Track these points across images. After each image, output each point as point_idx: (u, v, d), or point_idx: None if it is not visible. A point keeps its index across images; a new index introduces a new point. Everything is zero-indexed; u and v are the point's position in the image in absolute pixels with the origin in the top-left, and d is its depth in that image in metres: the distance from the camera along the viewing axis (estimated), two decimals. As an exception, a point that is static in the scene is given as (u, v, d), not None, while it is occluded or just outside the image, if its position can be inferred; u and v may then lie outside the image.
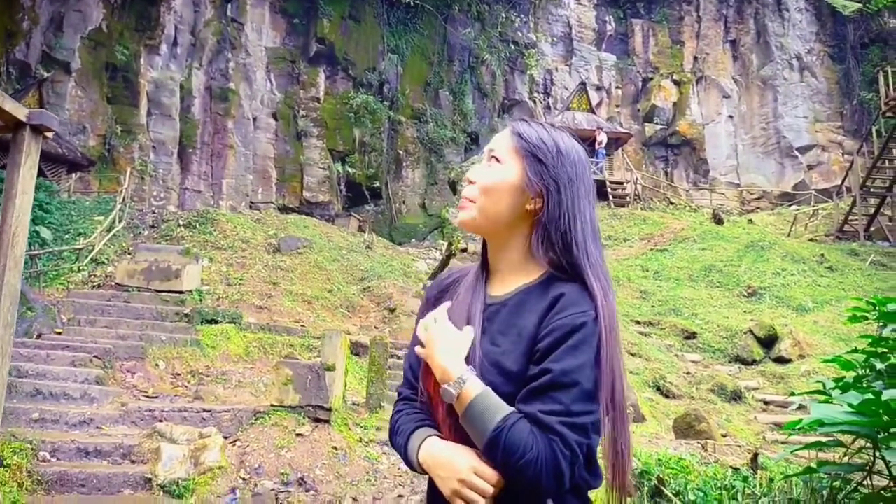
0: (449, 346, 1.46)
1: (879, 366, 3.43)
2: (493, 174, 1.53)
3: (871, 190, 22.04)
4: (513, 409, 1.38)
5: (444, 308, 1.54)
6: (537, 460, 1.32)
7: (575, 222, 1.49)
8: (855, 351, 3.58)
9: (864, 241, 21.13)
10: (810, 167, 32.66)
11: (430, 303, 1.65)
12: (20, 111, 4.11)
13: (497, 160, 1.54)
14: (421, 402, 1.58)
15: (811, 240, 22.45)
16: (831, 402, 4.64)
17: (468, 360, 1.45)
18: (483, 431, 1.37)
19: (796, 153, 32.88)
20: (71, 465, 6.39)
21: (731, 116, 34.47)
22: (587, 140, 28.30)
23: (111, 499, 6.05)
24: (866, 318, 4.07)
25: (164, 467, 6.51)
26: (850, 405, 2.32)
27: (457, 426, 1.45)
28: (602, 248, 1.55)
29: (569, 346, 1.37)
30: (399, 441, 1.55)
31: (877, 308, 3.80)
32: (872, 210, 21.92)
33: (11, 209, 4.22)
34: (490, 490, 1.38)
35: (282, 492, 6.55)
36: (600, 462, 1.50)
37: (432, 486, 1.50)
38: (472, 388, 1.40)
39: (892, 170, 21.57)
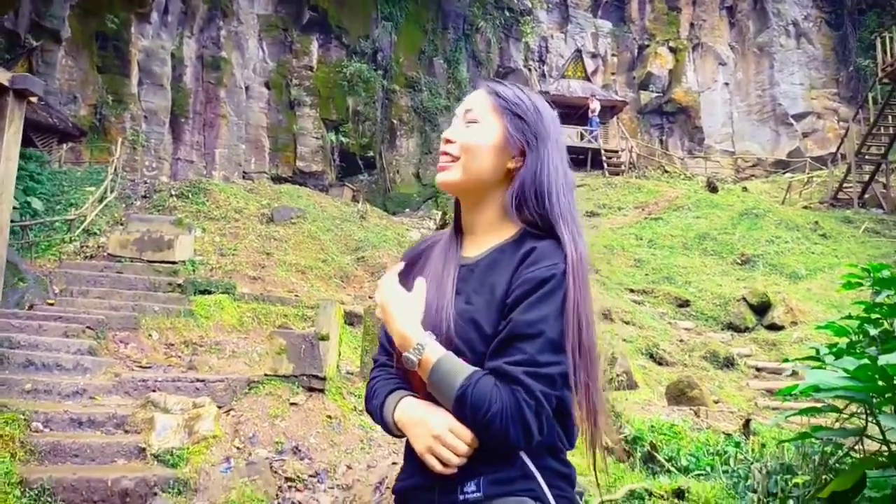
0: (402, 310, 1.46)
1: (873, 332, 3.42)
2: (475, 134, 1.53)
3: (866, 157, 21.99)
4: (476, 368, 1.38)
5: (393, 272, 1.54)
6: (503, 412, 1.32)
7: (551, 176, 1.52)
8: (849, 317, 3.57)
9: (858, 209, 21.13)
10: (805, 135, 32.56)
11: (406, 267, 1.64)
12: (2, 75, 4.01)
13: (475, 121, 1.54)
14: (397, 369, 1.56)
15: (805, 207, 22.44)
16: (825, 368, 4.63)
17: (439, 320, 1.46)
18: (449, 393, 1.37)
19: (791, 121, 32.76)
20: (64, 435, 6.38)
21: (726, 84, 34.26)
22: (581, 108, 28.19)
23: (105, 468, 6.04)
24: (860, 285, 4.06)
25: (157, 437, 6.50)
26: (845, 370, 2.31)
27: None
28: (574, 197, 1.58)
29: (535, 297, 1.38)
30: (375, 404, 1.54)
31: (871, 275, 3.79)
32: (867, 177, 21.88)
33: (-6, 176, 4.11)
34: (464, 448, 1.38)
35: (276, 460, 6.55)
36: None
37: (409, 448, 1.50)
38: (432, 352, 1.40)
39: (887, 137, 21.48)
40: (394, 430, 1.49)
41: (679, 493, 4.98)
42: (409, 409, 1.46)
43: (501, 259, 1.49)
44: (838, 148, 25.86)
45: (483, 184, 1.53)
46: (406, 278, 1.57)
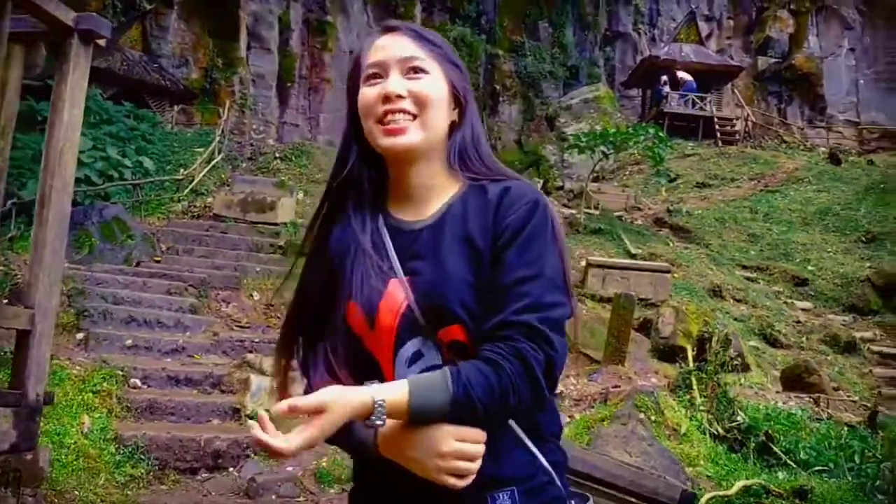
0: (333, 399, 1.16)
1: None
2: (429, 86, 1.37)
3: None
4: (446, 367, 1.22)
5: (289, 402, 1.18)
6: (511, 381, 1.19)
7: (479, 128, 1.47)
8: None
9: None
10: (942, 106, 30.10)
11: (314, 255, 1.49)
12: (66, 14, 3.82)
13: (424, 71, 1.38)
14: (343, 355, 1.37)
15: (940, 183, 20.72)
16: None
17: (405, 308, 1.31)
18: (441, 408, 1.18)
19: (925, 91, 30.33)
20: (161, 392, 6.42)
21: (852, 49, 31.90)
22: (693, 74, 26.89)
23: (199, 427, 6.04)
24: None
25: (252, 398, 6.47)
26: None
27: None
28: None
29: (527, 235, 1.29)
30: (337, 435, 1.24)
31: None
32: None
33: (59, 125, 3.92)
34: (479, 448, 1.22)
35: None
36: None
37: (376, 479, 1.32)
38: (394, 391, 1.19)
39: None
40: (373, 460, 1.28)
41: (801, 493, 4.51)
42: (393, 434, 1.22)
43: (466, 210, 1.36)
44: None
45: (438, 140, 1.39)
46: (319, 267, 1.45)
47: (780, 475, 5.18)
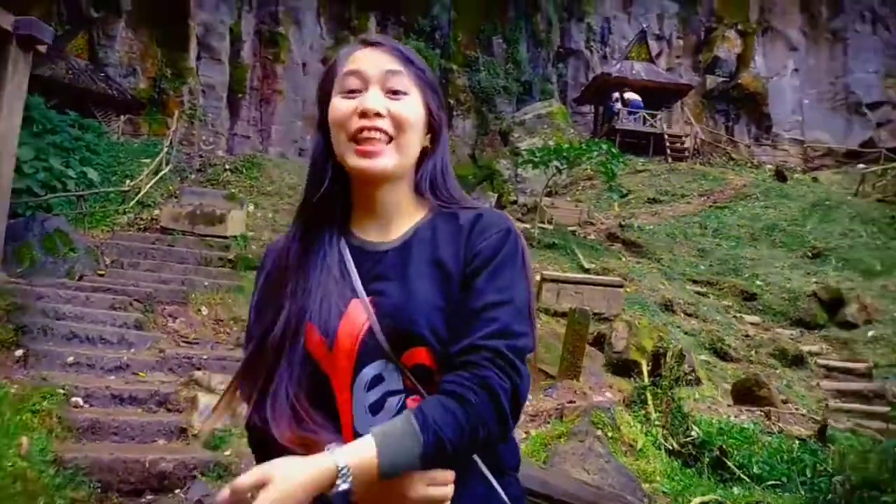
0: (277, 472, 1.06)
1: None
2: (408, 108, 1.32)
3: (948, 149, 20.76)
4: (408, 409, 1.16)
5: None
6: (479, 417, 1.15)
7: (449, 156, 1.43)
8: None
9: (938, 203, 19.95)
10: (879, 125, 31.07)
11: (272, 273, 1.41)
12: (5, 18, 3.63)
13: (404, 92, 1.32)
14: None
15: (880, 200, 21.29)
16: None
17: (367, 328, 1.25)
18: (412, 461, 1.11)
19: (865, 110, 31.28)
20: (104, 411, 6.16)
21: (796, 70, 32.81)
22: (644, 91, 27.28)
23: (144, 448, 5.80)
24: None
25: (200, 417, 6.24)
26: None
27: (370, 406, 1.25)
28: None
29: (498, 262, 1.26)
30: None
31: None
32: (948, 170, 20.67)
33: (-8, 130, 3.73)
34: (451, 492, 1.18)
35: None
36: None
37: None
38: (359, 452, 1.10)
39: (973, 128, 20.24)
40: None
41: (759, 509, 4.49)
42: (360, 494, 1.12)
43: (436, 235, 1.32)
44: (918, 139, 24.53)
45: (410, 164, 1.36)
46: (269, 297, 1.36)
47: (735, 490, 5.17)
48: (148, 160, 16.32)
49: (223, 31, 25.64)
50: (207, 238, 12.32)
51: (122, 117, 21.50)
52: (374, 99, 1.28)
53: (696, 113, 30.61)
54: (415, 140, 1.33)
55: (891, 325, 12.70)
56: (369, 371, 1.23)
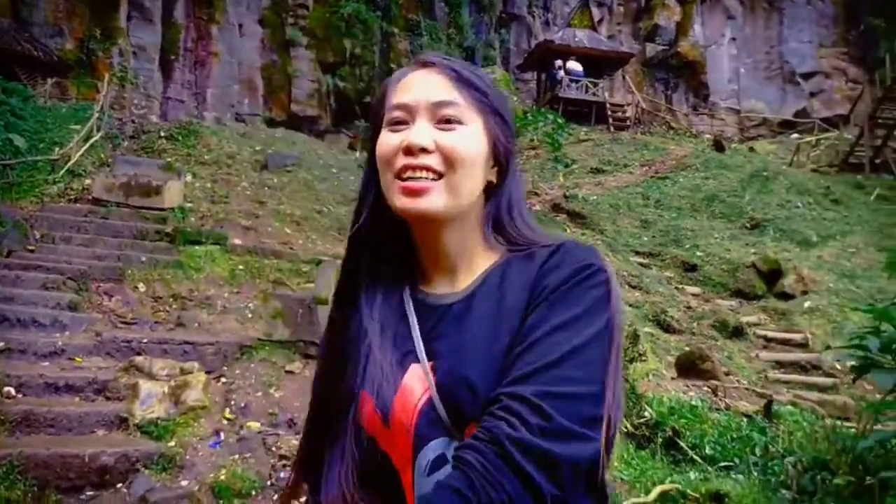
0: None
1: None
2: (465, 141, 1.12)
3: (879, 121, 21.33)
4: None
5: None
6: (492, 484, 0.89)
7: (521, 192, 1.23)
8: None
9: (870, 174, 20.53)
10: (812, 94, 31.84)
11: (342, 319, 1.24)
12: None
13: (458, 121, 1.12)
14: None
15: (815, 170, 21.86)
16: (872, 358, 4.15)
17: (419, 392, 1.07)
18: None
19: (799, 80, 32.02)
20: (38, 402, 5.85)
21: (734, 39, 33.31)
22: (586, 59, 27.26)
23: (82, 440, 5.53)
24: None
25: (141, 406, 5.99)
26: None
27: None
28: None
29: (560, 295, 1.01)
30: None
31: None
32: (879, 142, 21.26)
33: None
34: None
35: (270, 434, 6.07)
36: None
37: None
38: None
39: (903, 100, 20.84)
40: None
41: (717, 497, 4.50)
42: None
43: (504, 282, 1.10)
44: (851, 110, 25.15)
45: (470, 205, 1.15)
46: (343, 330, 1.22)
47: (692, 475, 5.19)
48: (78, 126, 15.53)
49: (155, -11, 24.54)
50: (143, 210, 11.84)
51: (49, 80, 20.44)
52: (419, 133, 1.10)
53: (637, 81, 30.79)
54: (470, 176, 1.12)
55: (826, 296, 13.04)
56: (430, 451, 1.04)
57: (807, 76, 31.98)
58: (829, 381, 10.46)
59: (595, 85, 27.03)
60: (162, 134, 16.03)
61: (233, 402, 6.33)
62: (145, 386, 6.11)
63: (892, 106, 20.95)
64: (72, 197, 12.51)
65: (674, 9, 32.94)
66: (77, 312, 7.79)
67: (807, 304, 12.88)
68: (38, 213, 11.19)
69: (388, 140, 1.12)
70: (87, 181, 13.03)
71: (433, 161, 1.09)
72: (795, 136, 27.48)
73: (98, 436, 5.72)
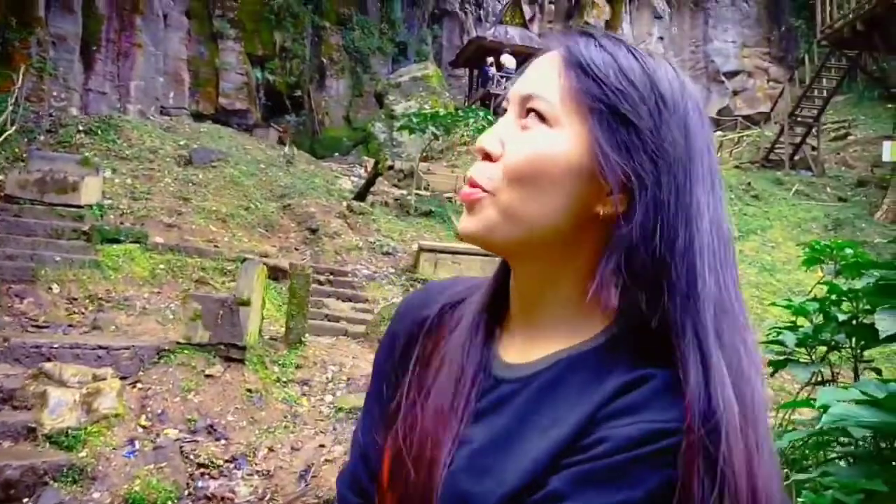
0: None
1: (842, 317, 3.12)
2: (536, 145, 0.80)
3: (798, 119, 22.04)
4: None
5: None
6: None
7: (686, 236, 0.76)
8: (815, 299, 3.31)
9: (789, 171, 21.21)
10: (735, 93, 32.78)
11: (403, 344, 0.95)
12: None
13: (541, 117, 0.80)
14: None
15: (737, 167, 22.45)
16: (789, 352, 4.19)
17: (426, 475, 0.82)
18: None
19: (723, 78, 32.89)
20: (-62, 413, 5.55)
21: (661, 38, 34.02)
22: (519, 56, 27.40)
23: (-14, 453, 5.26)
24: (821, 262, 3.78)
25: (50, 415, 5.72)
26: (869, 396, 1.91)
27: None
28: (736, 276, 0.80)
29: (613, 468, 0.69)
30: None
31: (833, 252, 3.56)
32: (798, 139, 21.97)
33: None
34: None
35: (188, 441, 5.88)
36: None
37: None
38: None
39: (820, 100, 21.54)
40: None
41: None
42: None
43: (571, 381, 0.80)
44: (773, 108, 25.92)
45: (545, 240, 0.81)
46: (410, 359, 0.93)
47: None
48: (-11, 119, 14.87)
49: (74, -23, 23.64)
50: (59, 207, 11.37)
51: (-42, 70, 19.48)
52: (489, 132, 0.84)
53: (568, 78, 31.12)
54: (535, 199, 0.79)
55: (747, 289, 13.38)
56: None
57: (730, 75, 32.88)
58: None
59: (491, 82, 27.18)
60: (80, 128, 15.47)
61: (149, 409, 6.11)
62: (55, 394, 5.84)
63: (811, 104, 21.66)
64: (-18, 194, 11.95)
65: (603, 8, 33.41)
66: (-17, 316, 7.42)
67: (729, 298, 13.19)
68: (-55, 211, 10.65)
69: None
70: (0, 177, 12.46)
71: (490, 171, 0.81)
72: (719, 133, 28.19)
73: (3, 448, 5.45)
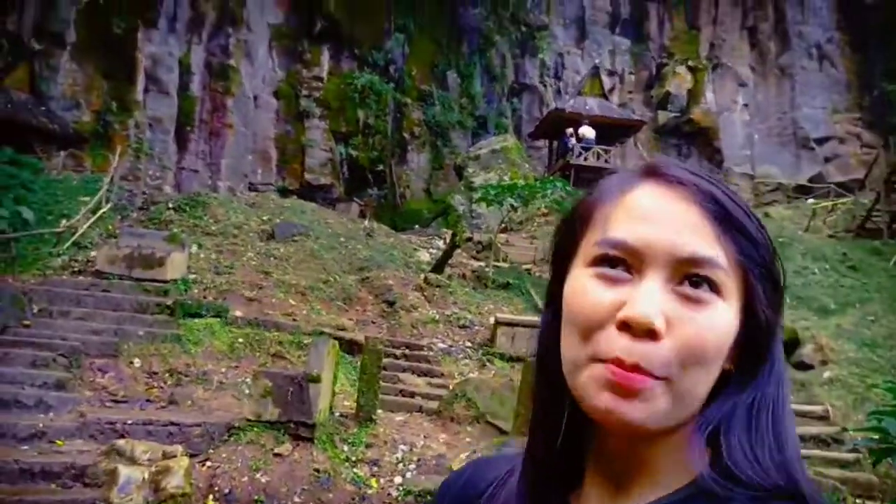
0: None
1: None
2: (719, 326, 0.71)
3: (895, 186, 21.06)
4: None
5: None
6: None
7: (781, 391, 0.74)
8: None
9: (888, 240, 20.15)
10: (827, 160, 31.72)
11: None
12: None
13: (713, 288, 0.71)
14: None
15: (831, 236, 21.51)
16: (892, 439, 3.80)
17: None
18: None
19: (813, 145, 31.93)
20: (11, 490, 5.58)
21: (746, 105, 33.44)
22: (603, 127, 27.31)
23: (53, 533, 5.25)
24: None
25: (119, 493, 5.70)
26: None
27: None
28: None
29: None
30: None
31: None
32: (896, 207, 20.96)
33: None
34: None
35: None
36: None
37: None
38: None
39: (918, 165, 20.63)
40: None
41: None
42: None
43: None
44: (866, 175, 24.92)
45: (690, 418, 0.73)
46: None
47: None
48: (87, 198, 15.62)
49: (171, 63, 25.06)
50: (145, 282, 11.71)
51: (62, 152, 20.74)
52: (648, 301, 0.69)
53: (650, 148, 30.85)
54: (706, 381, 0.72)
55: (846, 366, 12.58)
56: None
57: (821, 141, 31.92)
58: (851, 456, 9.96)
59: (607, 152, 27.02)
60: (170, 205, 16.05)
61: (216, 488, 6.03)
62: (124, 472, 5.83)
63: (908, 170, 20.72)
64: (75, 269, 12.45)
65: (685, 76, 33.21)
66: (64, 392, 7.58)
67: (826, 375, 12.43)
68: (39, 286, 11.09)
69: (594, 292, 0.72)
70: (92, 253, 12.97)
71: (662, 352, 0.69)
72: (811, 201, 27.21)
73: (71, 527, 5.43)
